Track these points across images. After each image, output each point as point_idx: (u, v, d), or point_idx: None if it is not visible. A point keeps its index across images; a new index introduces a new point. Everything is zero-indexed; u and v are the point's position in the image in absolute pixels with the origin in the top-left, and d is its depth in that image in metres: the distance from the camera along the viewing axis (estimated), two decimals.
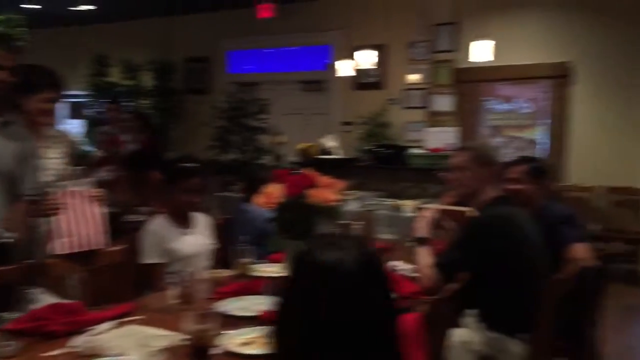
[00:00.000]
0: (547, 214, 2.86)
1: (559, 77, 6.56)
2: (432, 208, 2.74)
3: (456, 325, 2.37)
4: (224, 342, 1.81)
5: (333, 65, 7.13)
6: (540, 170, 3.03)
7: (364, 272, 1.16)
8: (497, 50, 5.93)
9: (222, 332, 1.84)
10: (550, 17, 6.57)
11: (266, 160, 7.39)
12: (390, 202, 5.42)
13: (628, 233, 6.17)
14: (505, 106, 7.09)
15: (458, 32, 7.05)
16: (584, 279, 2.51)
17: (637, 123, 6.26)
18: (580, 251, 2.75)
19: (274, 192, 2.24)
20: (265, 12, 7.25)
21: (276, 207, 2.22)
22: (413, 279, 2.57)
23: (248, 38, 8.50)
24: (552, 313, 2.36)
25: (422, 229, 2.63)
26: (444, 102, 7.26)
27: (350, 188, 5.33)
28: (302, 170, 2.44)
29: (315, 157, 6.59)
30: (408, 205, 5.06)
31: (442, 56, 7.23)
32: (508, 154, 6.22)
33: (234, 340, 1.84)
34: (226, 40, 8.71)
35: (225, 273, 2.54)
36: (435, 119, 7.28)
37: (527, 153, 6.59)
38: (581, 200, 6.44)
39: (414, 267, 2.64)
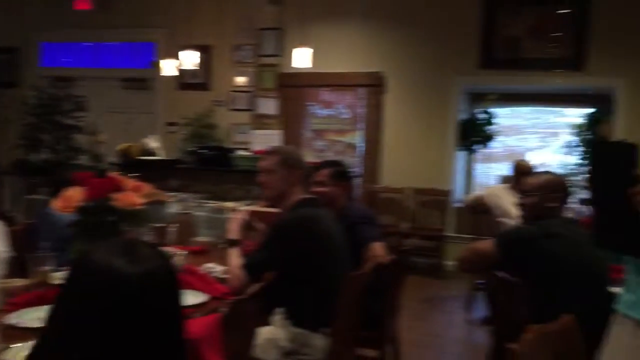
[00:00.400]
0: (348, 213, 3.06)
1: (373, 85, 7.03)
2: (243, 210, 2.80)
3: (264, 323, 2.44)
4: (10, 356, 1.69)
5: (158, 63, 6.94)
6: (342, 174, 3.24)
7: (150, 280, 1.13)
8: (318, 57, 6.20)
9: (12, 345, 1.72)
10: (366, 28, 7.01)
11: (83, 160, 6.98)
12: (212, 204, 5.41)
13: (432, 230, 6.79)
14: (326, 111, 7.43)
15: (282, 37, 7.25)
16: (380, 274, 2.73)
17: (438, 130, 6.91)
18: (378, 249, 2.98)
19: (73, 196, 2.14)
20: (81, 4, 6.86)
21: (75, 211, 2.13)
22: (223, 280, 2.61)
23: (65, 30, 7.96)
24: (352, 307, 2.53)
25: (233, 230, 2.68)
26: (269, 105, 7.42)
27: (171, 190, 5.23)
28: (109, 173, 2.36)
29: (137, 157, 6.36)
30: (229, 208, 5.09)
31: (267, 60, 7.38)
32: (329, 157, 6.55)
33: (21, 353, 1.73)
34: (40, 31, 8.08)
35: (19, 282, 2.36)
36: (261, 121, 7.41)
37: (345, 156, 6.99)
38: (393, 201, 6.97)
39: (225, 268, 2.68)
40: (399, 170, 6.97)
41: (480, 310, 4.79)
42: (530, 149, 7.33)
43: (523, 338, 1.57)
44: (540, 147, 7.30)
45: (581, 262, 2.42)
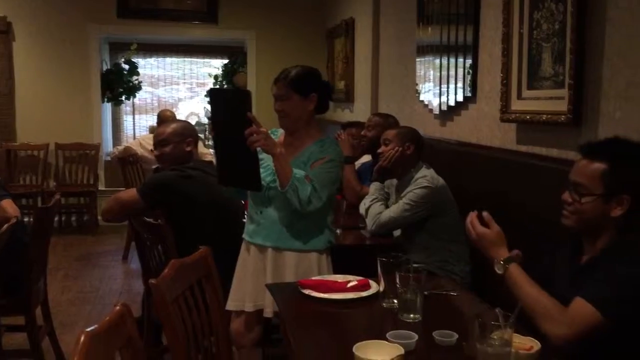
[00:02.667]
0: None
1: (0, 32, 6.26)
2: None
3: None
4: None
5: None
6: None
7: None
8: None
9: None
10: None
11: None
12: None
13: (82, 186, 6.52)
14: None
15: None
16: (16, 235, 2.56)
17: (79, 82, 6.57)
18: (9, 206, 2.80)
19: None
20: None
21: None
22: None
23: None
24: None
25: None
26: None
27: None
28: None
29: None
30: None
31: None
32: None
33: None
34: None
35: None
36: None
37: None
38: (34, 159, 6.44)
39: None
40: (38, 125, 6.43)
41: (137, 260, 4.87)
42: (181, 99, 7.57)
43: (162, 273, 1.69)
44: (191, 97, 7.59)
45: (215, 199, 2.66)
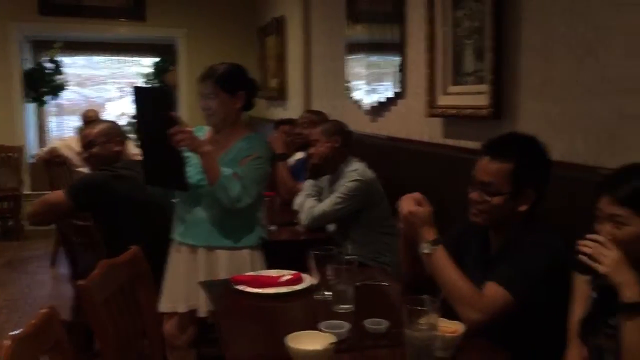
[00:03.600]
0: None
1: None
2: None
3: None
4: None
5: None
6: None
7: None
8: None
9: None
10: None
11: None
12: None
13: (6, 190, 6.25)
14: None
15: None
16: None
17: (0, 82, 6.29)
18: None
19: None
20: None
21: None
22: None
23: None
24: None
25: None
26: None
27: None
28: None
29: None
30: None
31: None
32: None
33: None
34: None
35: None
36: None
37: None
38: None
39: None
40: None
41: (66, 264, 4.72)
42: (111, 99, 7.35)
43: (91, 274, 1.65)
44: (120, 97, 7.38)
45: (146, 199, 2.62)
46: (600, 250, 1.29)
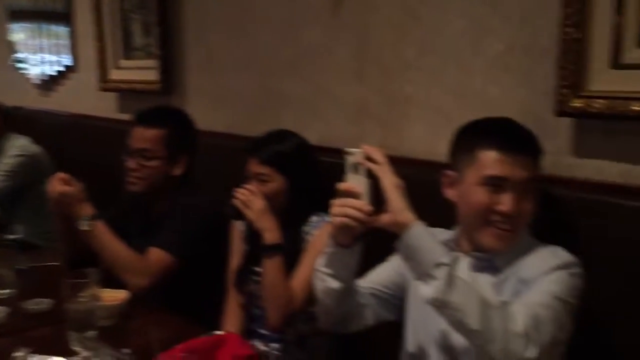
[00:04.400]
0: None
1: None
2: None
3: None
4: None
5: None
6: None
7: None
8: None
9: None
10: None
11: None
12: None
13: None
14: None
15: None
16: None
17: None
18: None
19: None
20: None
21: None
22: None
23: None
24: None
25: None
26: None
27: None
28: None
29: None
30: None
31: None
32: None
33: None
34: None
35: None
36: None
37: None
38: None
39: None
40: None
41: None
42: None
43: None
44: None
45: None
46: (250, 198, 1.51)
